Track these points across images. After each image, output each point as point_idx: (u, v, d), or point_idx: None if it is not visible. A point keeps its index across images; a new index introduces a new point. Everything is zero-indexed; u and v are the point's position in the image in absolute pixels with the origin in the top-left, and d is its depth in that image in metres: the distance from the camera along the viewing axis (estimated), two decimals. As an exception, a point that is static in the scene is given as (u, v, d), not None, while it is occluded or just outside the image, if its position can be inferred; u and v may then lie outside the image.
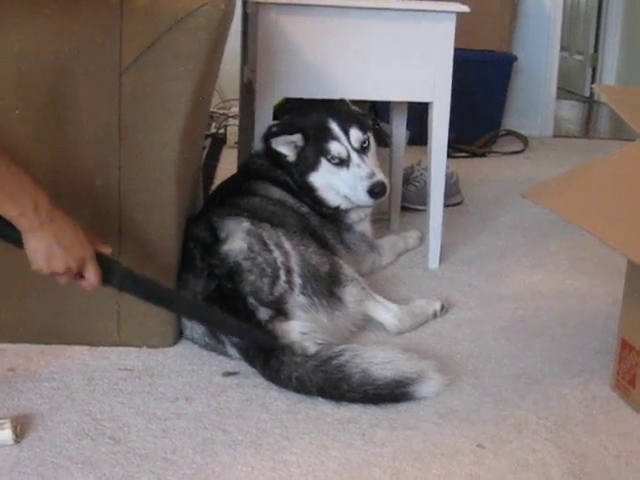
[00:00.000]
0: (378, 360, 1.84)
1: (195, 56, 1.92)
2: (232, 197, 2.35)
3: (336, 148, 2.44)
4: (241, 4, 2.97)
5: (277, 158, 2.46)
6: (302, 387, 1.84)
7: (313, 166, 2.45)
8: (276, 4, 2.47)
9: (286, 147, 2.44)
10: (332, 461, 1.62)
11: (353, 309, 2.13)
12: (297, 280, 2.05)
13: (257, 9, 2.49)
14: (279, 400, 1.84)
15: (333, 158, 2.44)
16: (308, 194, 2.47)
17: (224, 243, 2.09)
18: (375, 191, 2.42)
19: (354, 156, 2.44)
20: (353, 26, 2.52)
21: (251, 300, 1.99)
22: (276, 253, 2.07)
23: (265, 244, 2.08)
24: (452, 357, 2.08)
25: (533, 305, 2.45)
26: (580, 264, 2.83)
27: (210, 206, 2.34)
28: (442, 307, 2.33)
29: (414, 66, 2.57)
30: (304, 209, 2.45)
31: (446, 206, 2.85)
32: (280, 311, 2.00)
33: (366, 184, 2.42)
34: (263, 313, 1.98)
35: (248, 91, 2.89)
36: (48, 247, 1.61)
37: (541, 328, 2.29)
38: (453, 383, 1.91)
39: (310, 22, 2.51)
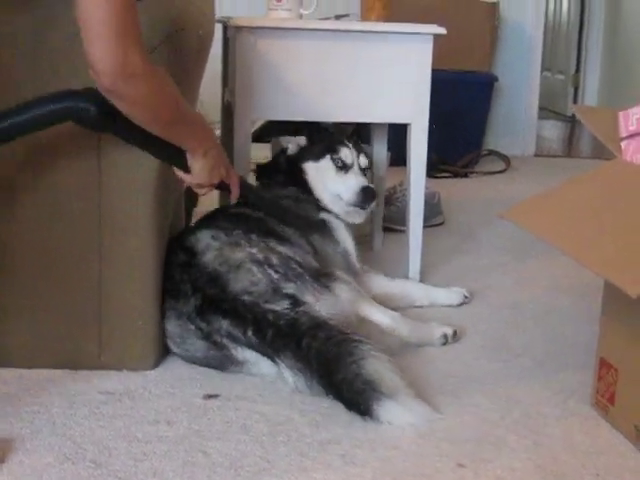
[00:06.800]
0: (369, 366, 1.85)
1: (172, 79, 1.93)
2: (217, 215, 2.38)
3: (345, 154, 2.58)
4: (222, 28, 2.99)
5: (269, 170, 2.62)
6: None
7: (315, 157, 2.58)
8: (254, 27, 2.49)
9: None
10: (312, 482, 1.62)
11: (347, 307, 2.12)
12: (285, 270, 2.08)
13: (236, 33, 2.51)
14: (260, 422, 1.84)
15: (338, 160, 2.56)
16: (296, 176, 2.57)
17: (200, 255, 2.12)
18: (366, 191, 2.53)
19: (356, 168, 2.58)
20: (331, 49, 2.54)
21: (247, 298, 2.01)
22: (253, 249, 2.11)
23: (238, 244, 2.12)
24: (432, 376, 2.08)
25: (514, 324, 2.47)
26: (560, 283, 2.85)
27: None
28: (454, 333, 2.29)
29: (392, 88, 2.59)
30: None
31: (428, 227, 2.86)
32: (290, 297, 2.02)
33: (360, 183, 2.54)
34: (278, 305, 2.00)
35: (228, 113, 2.90)
36: (210, 166, 2.02)
37: (521, 347, 2.30)
38: (433, 402, 1.91)
39: (288, 45, 2.53)
